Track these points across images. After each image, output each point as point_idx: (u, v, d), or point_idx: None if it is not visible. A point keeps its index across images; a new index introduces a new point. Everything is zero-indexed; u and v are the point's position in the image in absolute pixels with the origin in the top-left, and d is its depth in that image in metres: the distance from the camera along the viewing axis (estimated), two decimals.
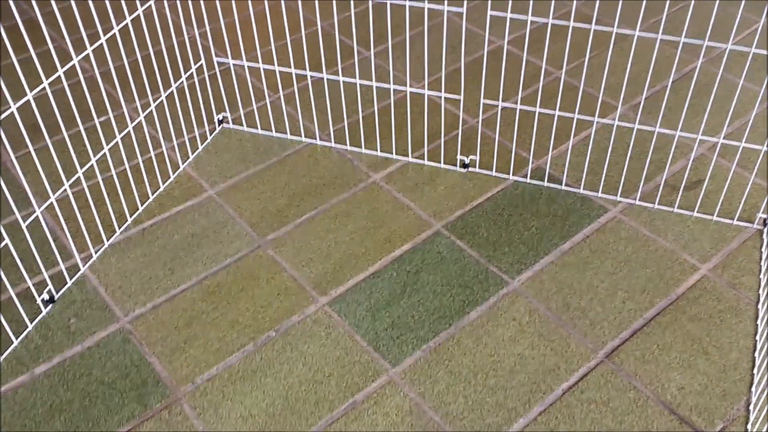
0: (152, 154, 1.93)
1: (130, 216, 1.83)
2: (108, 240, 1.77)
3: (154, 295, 1.65)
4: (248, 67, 2.29)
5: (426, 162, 1.97)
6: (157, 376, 1.49)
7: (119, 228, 1.80)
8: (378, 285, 1.66)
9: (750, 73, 2.20)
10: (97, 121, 1.77)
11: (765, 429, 1.32)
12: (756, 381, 1.42)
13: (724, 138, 1.96)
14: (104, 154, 1.82)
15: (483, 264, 1.69)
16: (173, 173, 1.95)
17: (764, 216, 1.73)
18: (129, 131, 1.84)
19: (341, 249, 1.74)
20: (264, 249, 1.75)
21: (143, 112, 1.82)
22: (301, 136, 2.06)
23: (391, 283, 1.66)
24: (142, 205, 1.86)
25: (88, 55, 2.35)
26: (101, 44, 2.34)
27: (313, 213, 1.84)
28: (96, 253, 1.74)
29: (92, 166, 1.94)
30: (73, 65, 2.30)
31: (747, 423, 1.37)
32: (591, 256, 1.70)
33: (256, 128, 2.09)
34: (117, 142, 1.92)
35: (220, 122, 2.10)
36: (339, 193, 1.89)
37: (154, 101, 2.05)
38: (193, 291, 1.66)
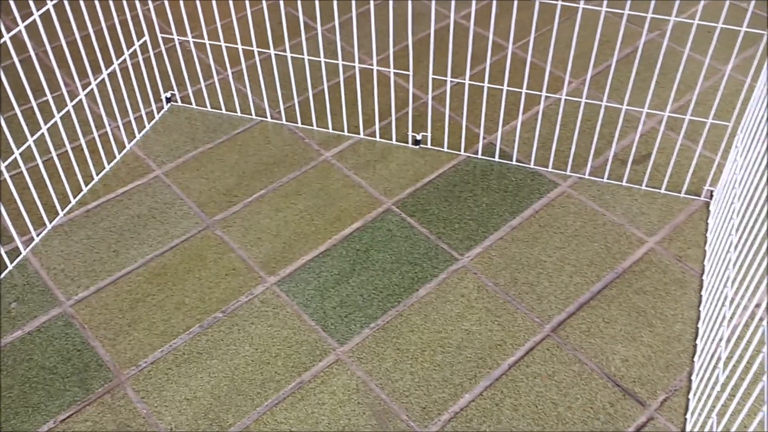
0: (95, 134, 1.88)
1: (74, 197, 1.79)
2: (51, 222, 1.73)
3: (98, 278, 1.61)
4: (195, 43, 2.24)
5: (378, 139, 1.95)
6: (100, 360, 1.46)
7: (62, 210, 1.76)
8: (327, 264, 1.65)
9: (699, 46, 2.21)
10: (34, 102, 1.72)
11: (706, 398, 1.34)
12: (699, 351, 1.44)
13: (670, 111, 1.96)
14: (42, 134, 1.77)
15: (433, 241, 1.69)
16: (119, 153, 1.91)
17: (711, 189, 1.75)
18: (69, 110, 1.79)
19: (290, 228, 1.72)
20: (212, 229, 1.72)
21: (83, 90, 1.77)
22: (251, 114, 2.02)
23: (341, 261, 1.65)
24: (86, 186, 1.82)
25: (22, 33, 2.28)
26: (35, 22, 2.27)
27: (262, 192, 1.81)
28: (38, 236, 1.70)
29: (31, 148, 1.89)
30: (5, 44, 2.23)
31: (689, 393, 1.39)
32: (540, 231, 1.70)
33: (205, 106, 2.05)
34: (57, 122, 1.86)
35: (168, 100, 2.05)
36: (289, 171, 1.86)
37: (96, 80, 1.99)
38: (138, 273, 1.63)
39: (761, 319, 1.48)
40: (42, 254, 1.66)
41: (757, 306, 1.51)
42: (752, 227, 1.33)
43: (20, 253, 1.66)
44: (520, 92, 2.02)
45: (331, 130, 1.97)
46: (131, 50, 2.03)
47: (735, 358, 1.13)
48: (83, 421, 1.36)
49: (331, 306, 1.56)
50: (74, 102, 1.78)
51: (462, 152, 1.90)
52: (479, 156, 1.89)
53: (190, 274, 1.62)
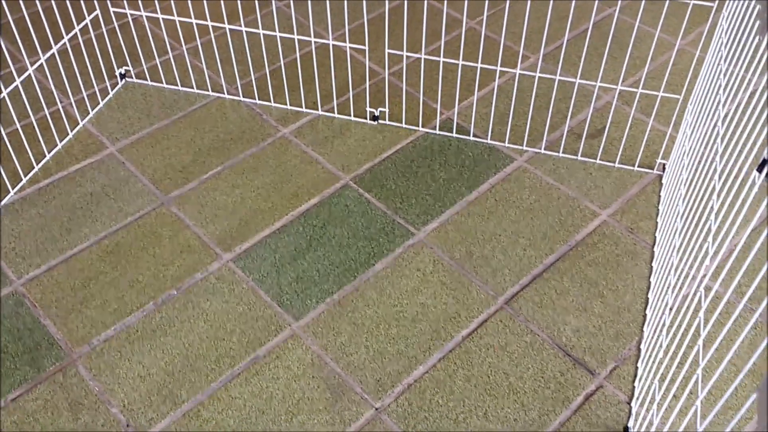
0: (47, 111, 1.84)
1: (25, 176, 1.76)
2: (1, 201, 1.70)
3: (50, 256, 1.59)
4: (148, 18, 2.20)
5: (336, 115, 1.94)
6: (52, 339, 1.45)
7: (13, 189, 1.73)
8: (283, 240, 1.64)
9: (651, 21, 2.22)
10: None
11: (652, 365, 1.37)
12: (648, 320, 1.47)
13: (623, 85, 1.98)
14: None
15: (390, 216, 1.69)
16: (72, 130, 1.87)
17: (663, 162, 1.77)
18: (18, 87, 1.75)
19: (247, 205, 1.72)
20: (167, 206, 1.71)
21: (32, 66, 1.73)
22: (207, 90, 2.00)
23: (297, 237, 1.65)
24: (37, 164, 1.79)
25: None
26: None
27: (219, 169, 1.80)
28: None
29: None
30: None
31: (637, 361, 1.42)
32: (495, 205, 1.71)
33: (161, 82, 2.02)
34: (5, 99, 1.83)
35: (123, 76, 2.02)
36: (246, 148, 1.85)
37: (45, 55, 1.95)
38: (91, 251, 1.61)
39: (706, 288, 1.51)
40: None
41: (704, 276, 1.54)
42: (698, 197, 1.35)
43: None
44: (476, 67, 2.02)
45: (288, 107, 1.96)
46: (82, 25, 1.99)
47: (677, 324, 1.15)
48: (34, 400, 1.35)
49: (287, 282, 1.56)
50: (22, 78, 1.74)
51: (420, 128, 1.90)
52: (437, 131, 1.89)
53: (145, 252, 1.61)
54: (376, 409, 1.35)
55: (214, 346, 1.45)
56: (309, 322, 1.49)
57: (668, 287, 1.04)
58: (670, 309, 1.16)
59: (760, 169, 0.81)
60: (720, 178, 0.95)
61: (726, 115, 1.08)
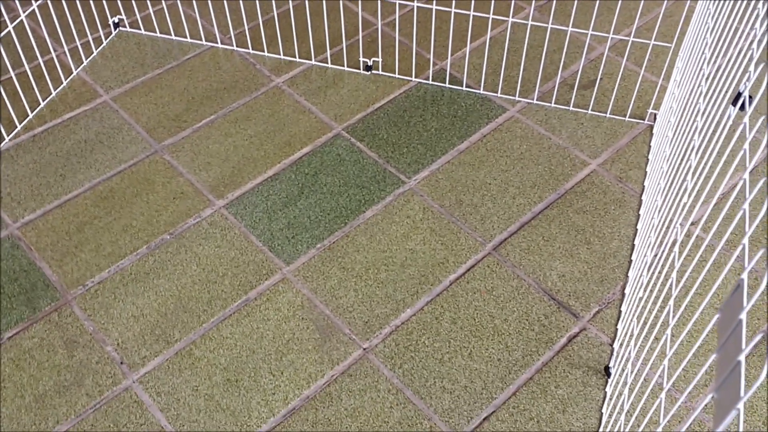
0: (41, 60, 1.85)
1: (20, 123, 1.77)
2: None
3: (45, 201, 1.62)
4: None
5: (329, 65, 1.94)
6: (47, 281, 1.48)
7: (8, 135, 1.75)
8: (276, 187, 1.66)
9: None
10: None
11: (634, 307, 1.40)
12: (633, 264, 1.49)
13: (615, 34, 1.97)
14: None
15: (381, 165, 1.70)
16: (65, 79, 1.88)
17: (654, 112, 1.77)
18: (11, 35, 1.76)
19: (240, 153, 1.73)
20: (160, 154, 1.72)
21: (24, 13, 1.73)
22: (201, 39, 2.00)
23: (289, 185, 1.67)
24: (32, 112, 1.80)
25: None
26: None
27: (212, 117, 1.81)
28: None
29: None
30: None
31: (621, 305, 1.44)
32: (486, 154, 1.72)
33: (155, 32, 2.01)
34: None
35: (116, 26, 2.01)
36: (240, 97, 1.86)
37: (37, 1, 1.95)
38: (86, 197, 1.63)
39: (681, 224, 1.53)
40: None
41: (693, 224, 1.56)
42: (683, 138, 1.36)
43: None
44: (469, 16, 2.01)
45: (282, 56, 1.96)
46: None
47: (658, 264, 1.17)
48: (30, 338, 1.39)
49: (278, 228, 1.58)
50: (14, 23, 1.75)
51: (413, 78, 1.90)
52: (430, 82, 1.89)
53: (138, 198, 1.63)
54: (364, 349, 1.39)
55: (206, 289, 1.48)
56: (299, 266, 1.52)
57: (652, 227, 1.05)
58: (651, 248, 1.18)
59: (734, 103, 0.82)
60: (702, 117, 0.96)
61: (711, 56, 1.08)
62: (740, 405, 0.55)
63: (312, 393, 1.32)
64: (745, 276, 0.62)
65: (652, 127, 1.76)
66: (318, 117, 1.81)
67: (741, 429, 0.55)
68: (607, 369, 1.34)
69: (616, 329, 1.40)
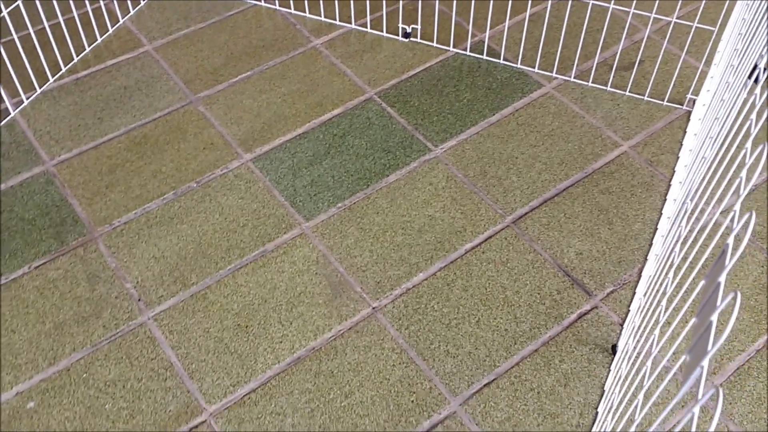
0: (89, 7, 1.90)
1: (65, 66, 1.83)
2: (41, 87, 1.78)
3: (81, 142, 1.67)
4: None
5: (369, 30, 1.94)
6: (77, 217, 1.54)
7: (52, 77, 1.81)
8: (303, 145, 1.68)
9: None
10: None
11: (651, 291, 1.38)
12: (654, 246, 1.47)
13: (657, 14, 1.92)
14: (36, 5, 1.80)
15: (409, 131, 1.71)
16: (112, 27, 1.93)
17: (693, 97, 1.73)
18: None
19: (272, 110, 1.75)
20: (195, 105, 1.76)
21: None
22: None
23: (317, 144, 1.68)
24: (77, 56, 1.85)
25: None
26: None
27: (248, 74, 1.83)
28: (27, 99, 1.75)
29: (23, 16, 1.92)
30: None
31: (636, 287, 1.42)
32: (517, 128, 1.71)
33: None
34: None
35: None
36: (277, 55, 1.88)
37: None
38: (120, 140, 1.68)
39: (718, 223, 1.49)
40: (30, 116, 1.72)
41: (724, 212, 1.52)
42: (722, 133, 1.33)
43: (9, 114, 1.72)
44: None
45: (323, 18, 1.97)
46: None
47: (689, 257, 1.15)
48: (56, 269, 1.45)
49: (302, 185, 1.61)
50: None
51: (451, 48, 1.89)
52: (467, 53, 1.88)
53: (170, 146, 1.67)
54: (373, 308, 1.40)
55: (226, 237, 1.51)
56: (318, 223, 1.54)
57: (685, 214, 1.04)
58: (679, 226, 1.16)
59: (750, 76, 0.80)
60: (729, 92, 0.93)
61: (746, 35, 1.04)
62: (704, 362, 0.55)
63: (318, 345, 1.35)
64: (730, 241, 0.61)
65: (689, 113, 1.72)
66: (352, 80, 1.82)
67: (702, 388, 0.54)
68: (614, 348, 1.33)
69: (629, 310, 1.38)
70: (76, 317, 1.38)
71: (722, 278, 0.59)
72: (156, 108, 1.75)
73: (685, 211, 0.91)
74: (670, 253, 0.89)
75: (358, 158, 1.65)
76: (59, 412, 1.26)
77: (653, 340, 0.81)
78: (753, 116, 0.69)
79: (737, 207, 0.63)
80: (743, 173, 0.65)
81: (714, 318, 0.56)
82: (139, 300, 1.41)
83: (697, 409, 0.53)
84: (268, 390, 1.29)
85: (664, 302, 0.83)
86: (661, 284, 0.92)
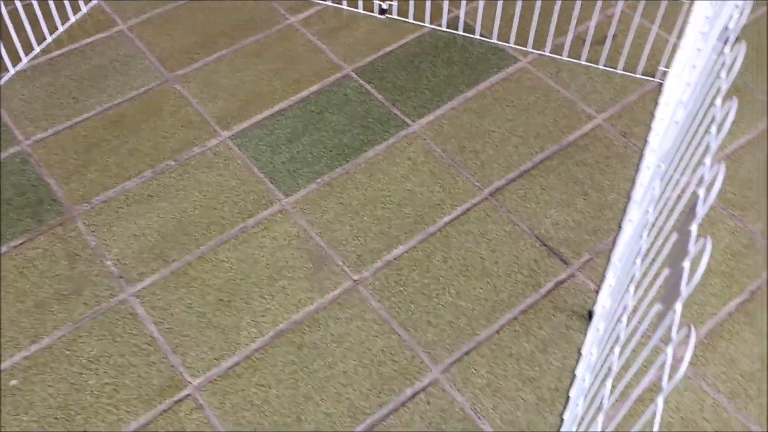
0: None
1: (39, 45, 1.81)
2: (14, 67, 1.76)
3: (56, 121, 1.66)
4: None
5: (345, 7, 1.94)
6: (54, 196, 1.53)
7: (26, 56, 1.78)
8: (281, 122, 1.68)
9: None
10: None
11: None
12: (627, 215, 1.50)
13: None
14: None
15: (387, 107, 1.72)
16: (86, 5, 1.91)
17: (665, 69, 1.76)
18: None
19: (248, 88, 1.75)
20: (171, 84, 1.75)
21: None
22: None
23: (294, 121, 1.69)
24: (51, 36, 1.83)
25: None
26: None
27: (224, 52, 1.83)
28: (1, 79, 1.73)
29: None
30: None
31: (611, 254, 1.45)
32: (493, 103, 1.73)
33: None
34: None
35: None
36: (253, 34, 1.87)
37: None
38: (96, 120, 1.67)
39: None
40: (4, 97, 1.70)
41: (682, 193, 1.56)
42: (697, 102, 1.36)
43: None
44: None
45: None
46: None
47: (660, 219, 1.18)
48: (34, 249, 1.44)
49: (280, 161, 1.61)
50: None
51: (427, 24, 1.90)
52: (444, 29, 1.89)
53: (146, 124, 1.66)
54: (355, 280, 1.42)
55: (206, 214, 1.51)
56: (298, 199, 1.55)
57: (659, 175, 1.06)
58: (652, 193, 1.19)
59: (720, 39, 0.82)
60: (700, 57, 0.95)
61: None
62: (677, 306, 0.57)
63: (300, 318, 1.36)
64: (701, 192, 0.63)
65: (661, 85, 1.75)
66: (328, 57, 1.82)
67: (674, 332, 0.57)
68: (590, 314, 1.36)
69: (603, 277, 1.42)
70: (57, 295, 1.38)
71: (693, 227, 0.61)
72: (132, 87, 1.74)
73: (659, 173, 0.94)
74: (645, 215, 0.92)
75: (337, 134, 1.66)
76: (43, 389, 1.26)
77: (629, 296, 0.83)
78: (723, 74, 0.72)
79: (707, 161, 0.65)
80: (713, 129, 0.67)
81: (686, 264, 0.59)
82: (120, 277, 1.41)
83: (670, 351, 0.55)
84: (252, 363, 1.30)
85: (639, 261, 0.86)
86: (636, 244, 0.94)
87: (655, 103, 1.72)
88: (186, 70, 1.78)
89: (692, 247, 0.59)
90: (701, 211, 0.60)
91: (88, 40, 1.84)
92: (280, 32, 1.88)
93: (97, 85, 1.73)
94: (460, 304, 1.38)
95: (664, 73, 1.76)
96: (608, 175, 1.59)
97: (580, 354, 1.32)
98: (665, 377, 0.54)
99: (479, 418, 1.25)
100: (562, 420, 1.25)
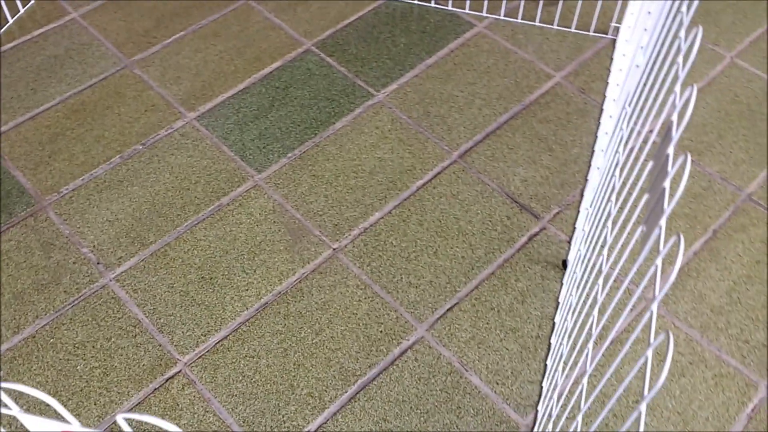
0: None
1: None
2: None
3: (17, 113, 1.63)
4: None
5: None
6: (22, 188, 1.50)
7: None
8: (246, 100, 1.69)
9: None
10: None
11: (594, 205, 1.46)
12: (592, 167, 1.55)
13: None
14: None
15: (350, 79, 1.73)
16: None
17: (617, 25, 1.81)
18: None
19: (210, 68, 1.75)
20: (130, 68, 1.73)
21: None
22: None
23: (260, 98, 1.69)
24: (0, 29, 1.79)
25: None
26: None
27: (181, 34, 1.81)
28: None
29: None
30: None
31: (579, 206, 1.51)
32: (454, 68, 1.76)
33: None
34: None
35: None
36: (209, 14, 1.86)
37: None
38: (57, 109, 1.64)
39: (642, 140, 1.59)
40: None
41: (650, 131, 1.62)
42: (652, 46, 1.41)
43: None
44: None
45: None
46: None
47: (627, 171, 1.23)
48: (7, 241, 1.42)
49: (249, 138, 1.61)
50: None
51: None
52: None
53: (110, 110, 1.65)
54: (334, 249, 1.44)
55: (180, 195, 1.51)
56: (271, 174, 1.56)
57: (625, 117, 1.10)
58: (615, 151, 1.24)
59: None
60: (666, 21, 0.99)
61: None
62: (662, 221, 0.61)
63: (284, 289, 1.38)
64: (675, 116, 0.67)
65: (614, 40, 1.80)
66: (288, 33, 1.83)
67: (662, 246, 0.61)
68: (564, 263, 1.41)
69: (574, 228, 1.47)
70: (35, 285, 1.36)
71: (671, 150, 0.65)
72: (90, 74, 1.71)
73: (625, 115, 0.98)
74: (615, 155, 0.96)
75: (303, 108, 1.67)
76: (30, 378, 1.25)
77: (605, 232, 0.87)
78: (683, 8, 0.76)
79: (677, 88, 0.69)
80: (680, 58, 0.71)
81: (666, 184, 0.63)
82: (98, 263, 1.40)
83: (659, 262, 0.59)
84: (240, 336, 1.32)
85: (613, 197, 0.90)
86: (608, 184, 0.98)
87: (610, 58, 1.77)
88: (144, 54, 1.76)
89: (671, 168, 0.62)
90: (676, 134, 0.64)
91: (40, 30, 1.80)
92: (237, 11, 1.87)
93: (54, 75, 1.70)
94: (438, 264, 1.42)
95: (617, 29, 1.81)
96: (570, 130, 1.64)
97: (558, 302, 1.37)
98: (656, 287, 0.58)
99: (466, 370, 1.29)
100: (545, 366, 1.30)
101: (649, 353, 0.57)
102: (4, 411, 0.49)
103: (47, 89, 1.68)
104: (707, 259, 1.43)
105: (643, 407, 0.57)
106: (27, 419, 0.48)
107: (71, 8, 1.85)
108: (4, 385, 0.48)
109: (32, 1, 1.85)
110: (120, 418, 0.47)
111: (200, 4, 1.87)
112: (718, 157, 1.59)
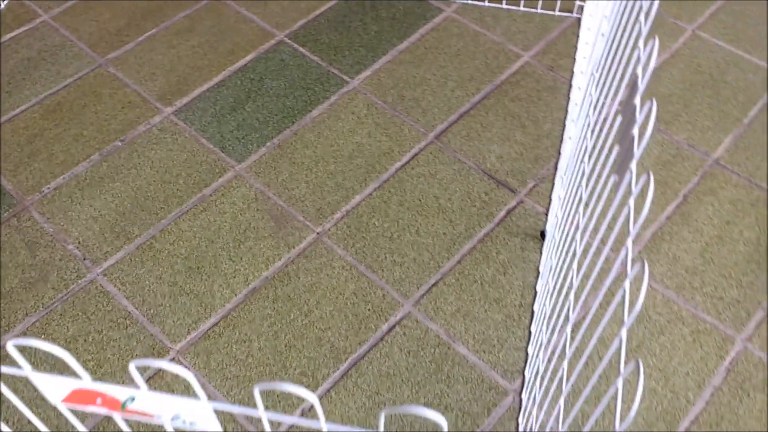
0: None
1: None
2: None
3: None
4: None
5: None
6: (3, 189, 1.51)
7: None
8: (223, 93, 1.70)
9: None
10: None
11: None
12: (564, 140, 1.59)
13: None
14: None
15: (324, 67, 1.76)
16: (2, 1, 1.87)
17: (581, 4, 1.86)
18: None
19: (184, 63, 1.76)
20: (105, 67, 1.74)
21: None
22: None
23: (236, 90, 1.71)
24: None
25: None
26: None
27: (154, 31, 1.83)
28: None
29: None
30: None
31: (554, 178, 1.55)
32: (425, 53, 1.79)
33: None
34: None
35: None
36: (180, 10, 1.87)
37: None
38: (33, 110, 1.65)
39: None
40: None
41: (621, 103, 1.67)
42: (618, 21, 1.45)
43: None
44: None
45: None
46: None
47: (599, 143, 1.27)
48: None
49: (228, 130, 1.63)
50: None
51: None
52: None
53: (86, 109, 1.66)
54: (318, 233, 1.47)
55: (162, 189, 1.53)
56: (251, 163, 1.58)
57: (594, 82, 1.14)
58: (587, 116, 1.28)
59: None
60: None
61: None
62: (632, 166, 0.65)
63: (271, 274, 1.40)
64: (640, 71, 0.71)
65: (579, 19, 1.85)
66: (260, 26, 1.84)
67: (633, 188, 0.64)
68: (542, 234, 1.45)
69: (551, 200, 1.51)
70: (23, 284, 1.37)
71: (637, 100, 0.69)
72: (65, 75, 1.72)
73: (594, 81, 1.02)
74: (586, 119, 1.00)
75: (279, 98, 1.69)
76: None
77: (580, 191, 0.91)
78: (642, 17, 0.80)
79: (640, 43, 0.73)
80: (641, 17, 0.75)
81: (635, 132, 0.66)
82: (84, 259, 1.41)
83: (632, 202, 0.63)
84: (230, 321, 1.34)
85: (586, 159, 0.94)
86: (581, 147, 1.02)
87: (576, 36, 1.82)
88: (118, 53, 1.77)
89: (639, 116, 0.66)
90: (642, 85, 0.68)
91: (11, 34, 1.80)
92: (208, 6, 1.89)
93: (29, 77, 1.71)
94: (421, 242, 1.45)
95: (581, 7, 1.86)
96: (541, 107, 1.68)
97: (538, 271, 1.41)
98: (631, 224, 0.61)
99: (454, 341, 1.32)
100: (529, 333, 1.34)
101: (627, 285, 0.60)
102: (15, 371, 0.51)
103: (22, 92, 1.68)
104: (679, 222, 1.48)
105: (623, 332, 0.61)
106: (37, 378, 0.50)
107: (42, 10, 1.85)
108: (13, 341, 0.50)
109: (1, 6, 1.85)
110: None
111: (171, 2, 1.89)
112: (684, 126, 1.64)
